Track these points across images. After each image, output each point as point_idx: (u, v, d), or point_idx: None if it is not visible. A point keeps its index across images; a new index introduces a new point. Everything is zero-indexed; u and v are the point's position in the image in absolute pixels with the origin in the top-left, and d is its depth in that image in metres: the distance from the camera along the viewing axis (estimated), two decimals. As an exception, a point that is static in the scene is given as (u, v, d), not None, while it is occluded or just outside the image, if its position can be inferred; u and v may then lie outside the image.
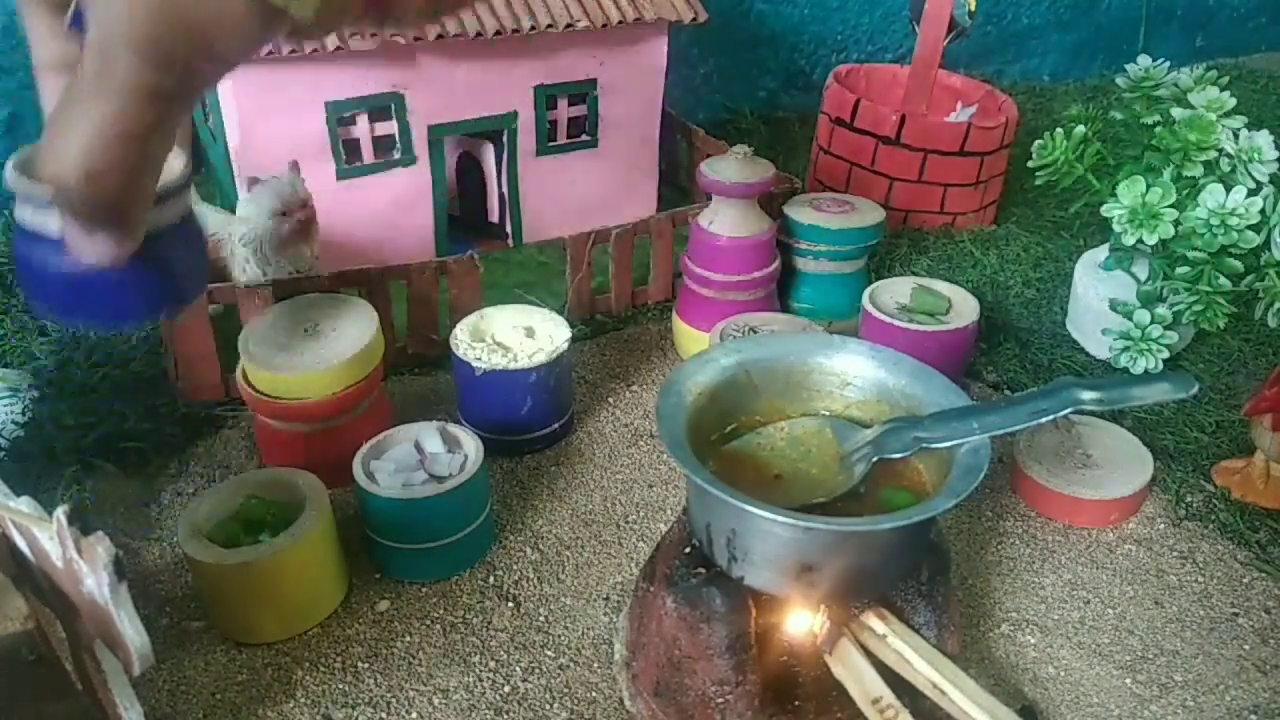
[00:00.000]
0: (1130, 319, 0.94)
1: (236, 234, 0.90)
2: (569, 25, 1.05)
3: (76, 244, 0.31)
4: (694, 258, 0.98)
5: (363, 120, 1.03)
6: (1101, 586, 0.75)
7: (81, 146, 0.28)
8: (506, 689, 0.66)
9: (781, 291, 1.04)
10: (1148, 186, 0.89)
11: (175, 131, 0.29)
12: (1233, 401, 0.94)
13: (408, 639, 0.70)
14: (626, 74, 1.14)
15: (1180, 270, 0.91)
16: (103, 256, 0.31)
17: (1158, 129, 0.92)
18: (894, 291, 0.95)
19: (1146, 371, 0.94)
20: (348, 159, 1.05)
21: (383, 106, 1.03)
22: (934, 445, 0.56)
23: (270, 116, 0.98)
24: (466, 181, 1.20)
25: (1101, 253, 1.04)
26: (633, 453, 0.89)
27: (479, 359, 0.83)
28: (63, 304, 0.35)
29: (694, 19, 1.11)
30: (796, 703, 0.59)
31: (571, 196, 1.18)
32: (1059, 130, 0.96)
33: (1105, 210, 0.92)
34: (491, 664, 0.68)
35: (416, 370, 0.98)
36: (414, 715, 0.65)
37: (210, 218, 0.98)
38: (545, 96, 1.11)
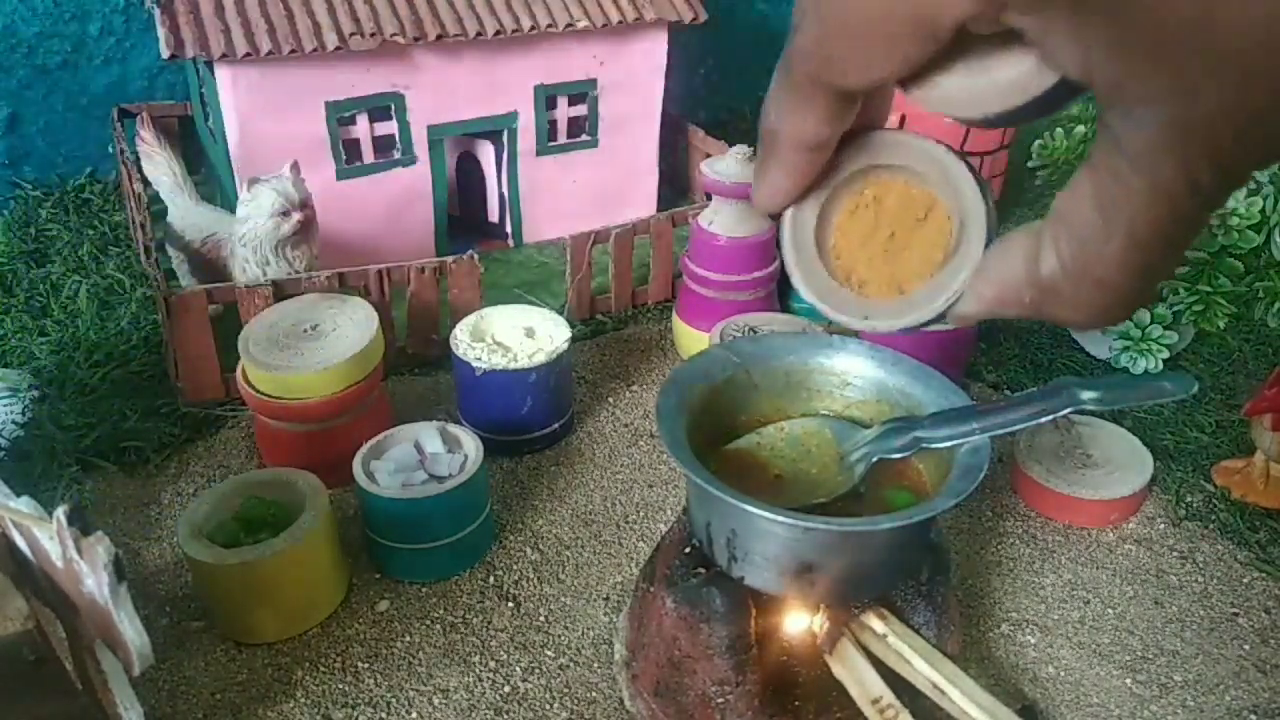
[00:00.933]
0: (1130, 319, 0.94)
1: (236, 234, 0.90)
2: (569, 25, 1.05)
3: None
4: (694, 258, 0.98)
5: (363, 120, 1.03)
6: (1101, 586, 0.75)
7: (1124, 246, 0.23)
8: (506, 689, 0.66)
9: (781, 291, 1.04)
10: (1148, 186, 0.89)
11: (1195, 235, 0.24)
12: (1233, 401, 0.94)
13: (408, 639, 0.70)
14: (626, 74, 1.14)
15: (1180, 270, 0.91)
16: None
17: (1158, 129, 0.92)
18: (894, 291, 0.95)
19: (1146, 371, 0.94)
20: (348, 159, 1.05)
21: (383, 106, 1.03)
22: (934, 445, 0.56)
23: (270, 116, 0.98)
24: (466, 181, 1.20)
25: (1101, 253, 1.04)
26: (633, 453, 0.89)
27: (479, 359, 0.83)
28: None
29: (694, 19, 1.11)
30: (796, 703, 0.59)
31: (571, 196, 1.18)
32: (1059, 129, 0.96)
33: (1105, 210, 0.91)
34: (491, 664, 0.68)
35: (416, 370, 0.98)
36: (414, 715, 0.65)
37: (210, 218, 0.99)
38: (545, 96, 1.11)
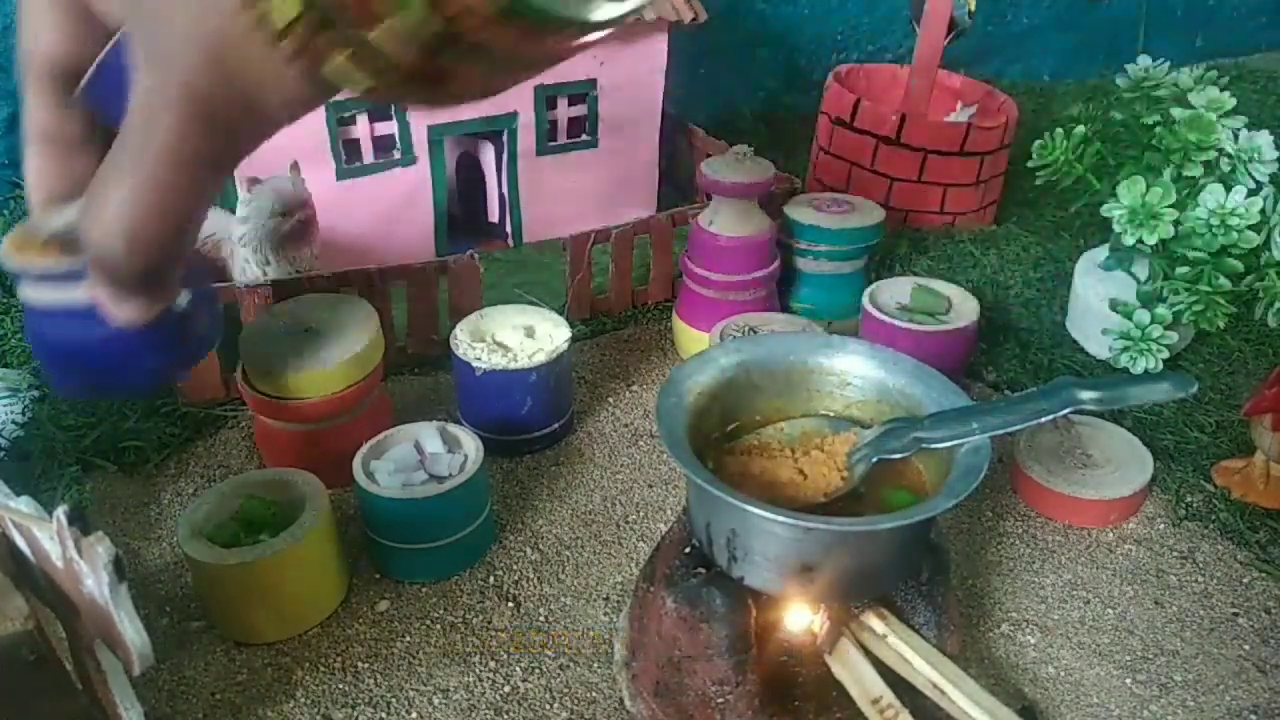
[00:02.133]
0: (1130, 319, 0.94)
1: (236, 234, 0.90)
2: (569, 25, 1.04)
3: (110, 308, 0.31)
4: (694, 258, 0.98)
5: (363, 120, 1.03)
6: (1101, 586, 0.75)
7: (123, 213, 0.28)
8: (506, 689, 0.66)
9: (781, 291, 1.04)
10: (1148, 186, 0.89)
11: (215, 195, 0.29)
12: (1233, 401, 0.94)
13: (408, 639, 0.70)
14: (626, 74, 1.14)
15: (1180, 270, 0.91)
16: (138, 317, 0.32)
17: (1158, 129, 0.92)
18: (894, 291, 0.95)
19: (1146, 371, 0.94)
20: (348, 159, 1.05)
21: (383, 106, 1.03)
22: (934, 445, 0.56)
23: (270, 116, 0.98)
24: (466, 181, 1.20)
25: (1101, 253, 1.04)
26: (633, 453, 0.89)
27: (479, 359, 0.83)
28: (90, 375, 0.35)
29: (694, 19, 1.11)
30: (796, 703, 0.59)
31: (571, 196, 1.18)
32: (1059, 130, 0.96)
33: (1105, 210, 0.92)
34: (491, 664, 0.68)
35: (416, 370, 0.98)
36: (414, 715, 0.65)
37: (210, 218, 0.99)
38: (545, 96, 1.11)
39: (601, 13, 0.26)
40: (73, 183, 0.32)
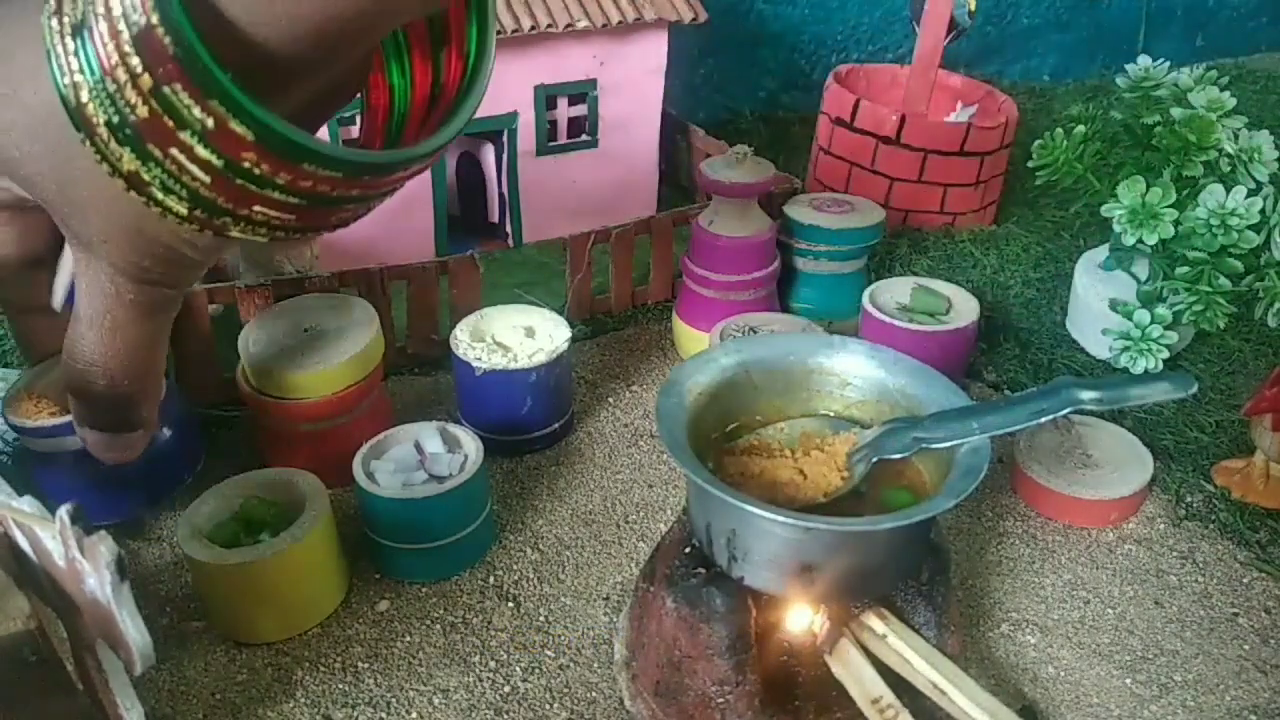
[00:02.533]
0: (1130, 319, 0.94)
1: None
2: (569, 25, 1.05)
3: (100, 449, 0.37)
4: (694, 258, 0.98)
5: (363, 120, 1.03)
6: (1101, 586, 0.75)
7: (97, 354, 0.33)
8: (506, 689, 0.67)
9: (781, 291, 1.04)
10: (1148, 186, 0.89)
11: (168, 332, 0.35)
12: (1233, 401, 0.94)
13: (408, 639, 0.70)
14: (626, 74, 1.14)
15: (1180, 270, 0.91)
16: (128, 453, 0.37)
17: (1158, 129, 0.92)
18: (894, 291, 0.95)
19: (1146, 371, 0.94)
20: (348, 159, 1.04)
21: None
22: (934, 445, 0.56)
23: (270, 116, 0.98)
24: (466, 181, 1.20)
25: (1101, 253, 1.04)
26: (633, 453, 0.89)
27: (479, 359, 0.83)
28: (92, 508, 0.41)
29: (694, 19, 1.11)
30: (796, 703, 0.59)
31: (571, 196, 1.18)
32: (1059, 130, 0.96)
33: (1105, 210, 0.92)
34: (491, 664, 0.68)
35: (416, 370, 0.98)
36: (414, 715, 0.65)
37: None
38: (545, 96, 1.11)
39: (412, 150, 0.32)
40: (57, 335, 0.37)
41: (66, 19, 0.26)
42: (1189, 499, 0.83)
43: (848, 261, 1.04)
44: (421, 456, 0.75)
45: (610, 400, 0.96)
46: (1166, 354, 0.94)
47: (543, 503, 0.83)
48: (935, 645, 0.58)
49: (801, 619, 0.59)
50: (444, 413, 0.91)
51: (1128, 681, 0.68)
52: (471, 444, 0.75)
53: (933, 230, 1.25)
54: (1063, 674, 0.68)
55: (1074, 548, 0.79)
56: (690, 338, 0.99)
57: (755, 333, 0.88)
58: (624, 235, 1.03)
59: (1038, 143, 0.97)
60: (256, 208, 0.28)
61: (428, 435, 0.76)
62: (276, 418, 0.80)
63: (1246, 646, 0.71)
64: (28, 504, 0.46)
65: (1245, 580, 0.76)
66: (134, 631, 0.40)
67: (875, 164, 1.24)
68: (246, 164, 0.27)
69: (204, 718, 0.64)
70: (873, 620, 0.58)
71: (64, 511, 0.41)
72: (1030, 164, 0.98)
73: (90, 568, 0.41)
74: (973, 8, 1.23)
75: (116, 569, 0.40)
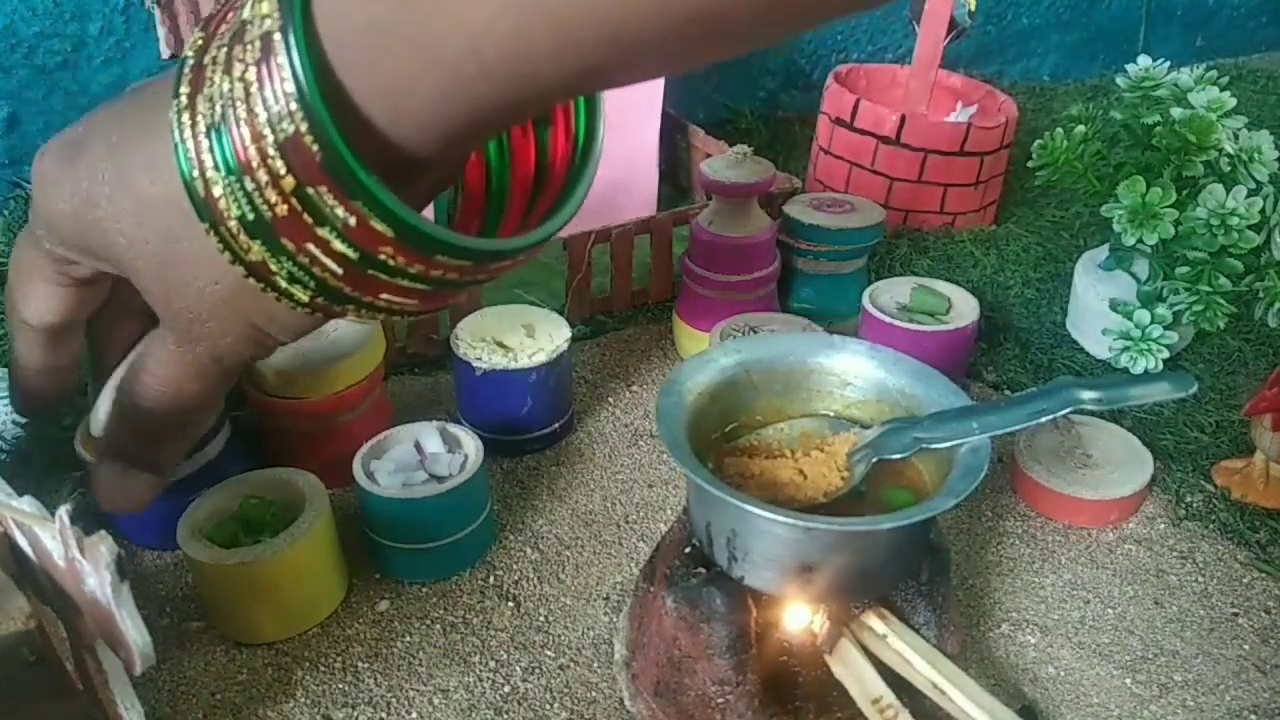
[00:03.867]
0: (1130, 319, 0.94)
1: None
2: (569, 25, 1.04)
3: (112, 488, 0.37)
4: (694, 258, 0.98)
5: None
6: (1101, 586, 0.75)
7: (158, 381, 0.33)
8: (506, 689, 0.66)
9: (781, 291, 1.04)
10: (1148, 186, 0.89)
11: (222, 398, 0.35)
12: (1233, 401, 0.94)
13: (408, 639, 0.70)
14: (626, 74, 1.14)
15: (1180, 270, 0.91)
16: (133, 502, 0.37)
17: (1158, 129, 0.92)
18: (894, 291, 0.95)
19: (1146, 371, 0.94)
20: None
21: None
22: (934, 445, 0.56)
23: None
24: (466, 181, 1.20)
25: (1101, 253, 1.04)
26: (633, 453, 0.89)
27: (479, 359, 0.83)
28: None
29: (694, 19, 1.11)
30: (796, 703, 0.59)
31: (571, 196, 1.18)
32: (1059, 130, 0.96)
33: (1105, 210, 0.92)
34: (491, 664, 0.68)
35: (416, 370, 0.98)
36: (414, 715, 0.65)
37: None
38: (545, 96, 1.11)
39: (510, 243, 0.32)
40: (62, 392, 0.40)
41: (201, 118, 0.26)
42: (1189, 499, 0.83)
43: (848, 261, 1.04)
44: (421, 456, 0.75)
45: (610, 400, 0.96)
46: (1166, 354, 0.94)
47: (543, 503, 0.83)
48: (935, 645, 0.58)
49: (801, 619, 0.59)
50: (444, 413, 0.91)
51: (1128, 681, 0.68)
52: (471, 444, 0.75)
53: (933, 230, 1.25)
54: (1063, 674, 0.68)
55: (1074, 548, 0.79)
56: (690, 338, 0.99)
57: (755, 333, 0.88)
58: (624, 235, 1.03)
59: (1038, 143, 0.97)
60: (383, 295, 0.29)
61: (428, 435, 0.76)
62: (277, 417, 0.80)
63: (1246, 646, 0.71)
64: (28, 504, 0.46)
65: (1245, 580, 0.76)
66: (134, 631, 0.40)
67: (875, 164, 1.24)
68: (382, 257, 0.27)
69: (204, 718, 0.64)
70: (873, 620, 0.58)
71: (63, 511, 0.41)
72: (1030, 164, 0.98)
73: (90, 568, 0.41)
74: (973, 8, 1.23)
75: (116, 569, 0.40)
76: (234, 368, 0.32)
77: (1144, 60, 0.96)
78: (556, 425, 0.88)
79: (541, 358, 0.83)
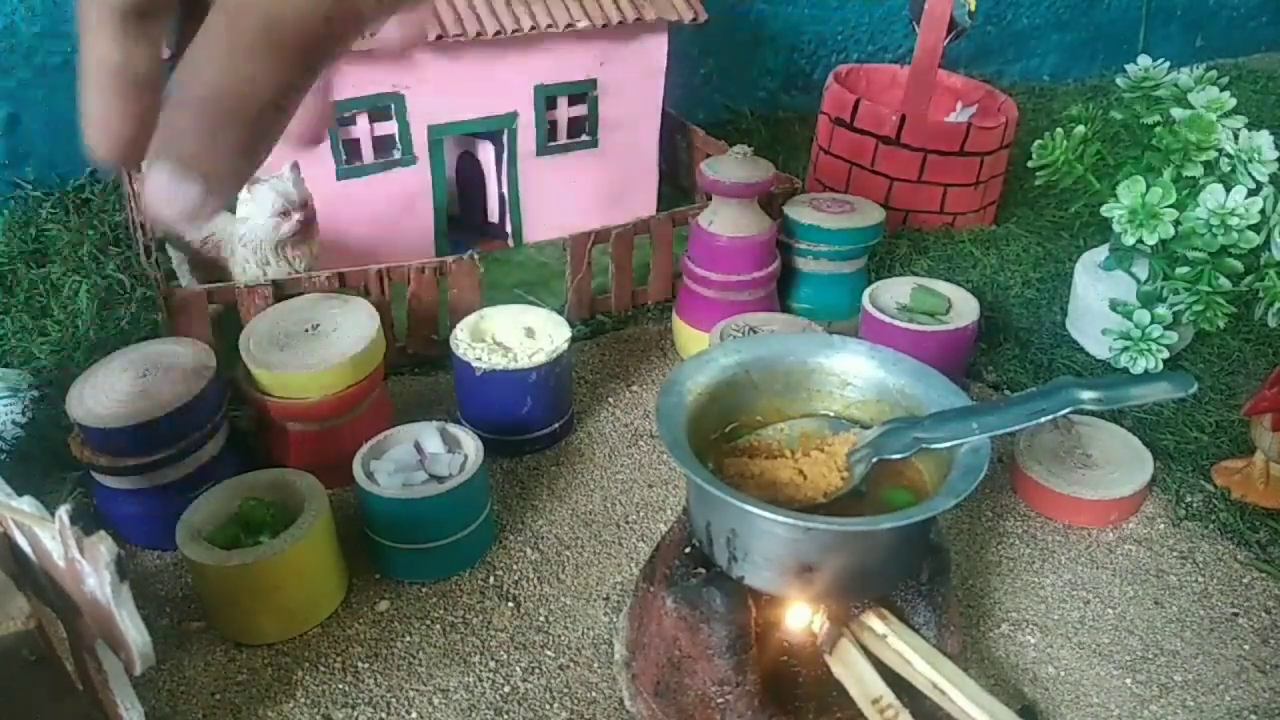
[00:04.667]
0: (1130, 319, 0.94)
1: (236, 234, 0.90)
2: (569, 25, 1.05)
3: (161, 192, 0.29)
4: (694, 258, 0.98)
5: (363, 120, 1.03)
6: (1101, 586, 0.75)
7: (217, 68, 0.27)
8: (506, 689, 0.66)
9: (781, 291, 1.04)
10: (1148, 186, 0.89)
11: (295, 107, 0.29)
12: (1233, 401, 0.94)
13: (408, 639, 0.70)
14: (626, 74, 1.14)
15: (1180, 270, 0.91)
16: (183, 209, 0.29)
17: (1158, 129, 0.92)
18: (894, 291, 0.95)
19: (1146, 371, 0.94)
20: (348, 159, 1.05)
21: (383, 106, 1.03)
22: (934, 445, 0.56)
23: (270, 116, 0.98)
24: (466, 181, 1.20)
25: (1101, 253, 1.04)
26: (633, 453, 0.89)
27: (479, 359, 0.83)
28: None
29: (694, 19, 1.11)
30: (796, 703, 0.59)
31: (571, 196, 1.18)
32: (1059, 130, 0.96)
33: (1105, 210, 0.92)
34: (491, 664, 0.68)
35: (416, 370, 0.98)
36: (414, 715, 0.65)
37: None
38: (545, 96, 1.11)
39: None
40: (139, 123, 0.30)
41: None
42: (1189, 499, 0.83)
43: (848, 261, 1.04)
44: (421, 456, 0.75)
45: (610, 400, 0.96)
46: (1166, 354, 0.94)
47: (543, 503, 0.83)
48: (935, 645, 0.58)
49: (801, 619, 0.59)
50: (444, 413, 0.91)
51: (1128, 681, 0.68)
52: (471, 444, 0.75)
53: (933, 230, 1.25)
54: (1063, 674, 0.68)
55: (1074, 548, 0.79)
56: (690, 338, 0.99)
57: (755, 333, 0.88)
58: (624, 235, 1.03)
59: (1038, 143, 0.97)
60: None
61: (428, 435, 0.76)
62: (277, 417, 0.80)
63: (1246, 646, 0.71)
64: (28, 504, 0.46)
65: (1245, 580, 0.76)
66: (134, 631, 0.40)
67: (875, 164, 1.24)
68: None
69: (204, 718, 0.64)
70: (873, 620, 0.58)
71: (63, 511, 0.41)
72: (1030, 164, 0.98)
73: (90, 568, 0.41)
74: (973, 8, 1.23)
75: (116, 569, 0.40)
76: (290, 40, 0.27)
77: (1144, 60, 0.96)
78: (556, 425, 0.88)
79: (541, 358, 0.83)
